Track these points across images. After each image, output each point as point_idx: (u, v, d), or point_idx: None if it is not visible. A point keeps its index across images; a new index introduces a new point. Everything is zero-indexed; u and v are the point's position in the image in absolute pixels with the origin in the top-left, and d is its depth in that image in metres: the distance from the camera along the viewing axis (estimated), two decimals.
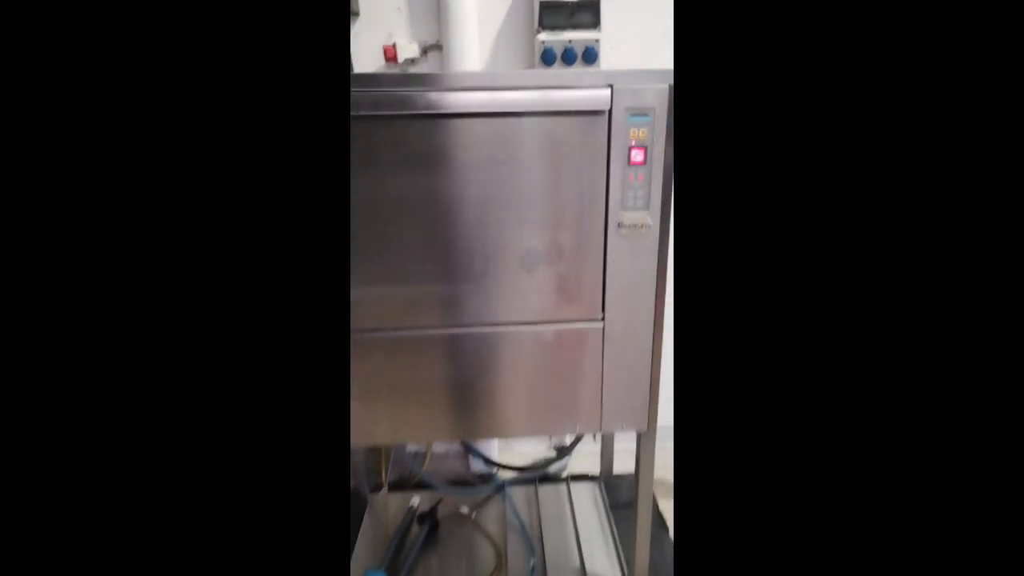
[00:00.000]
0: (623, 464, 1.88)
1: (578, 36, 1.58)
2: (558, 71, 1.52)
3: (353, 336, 1.17)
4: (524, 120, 1.11)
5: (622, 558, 1.62)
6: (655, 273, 1.23)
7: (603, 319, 1.24)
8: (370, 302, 1.18)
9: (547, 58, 1.56)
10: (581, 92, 1.12)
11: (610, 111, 1.15)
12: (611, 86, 1.13)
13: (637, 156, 1.18)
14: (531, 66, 1.63)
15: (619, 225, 1.22)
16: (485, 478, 1.99)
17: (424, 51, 1.71)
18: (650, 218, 1.22)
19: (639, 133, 1.17)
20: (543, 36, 1.59)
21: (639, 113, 1.16)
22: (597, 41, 1.58)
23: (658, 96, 1.15)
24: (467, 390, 1.25)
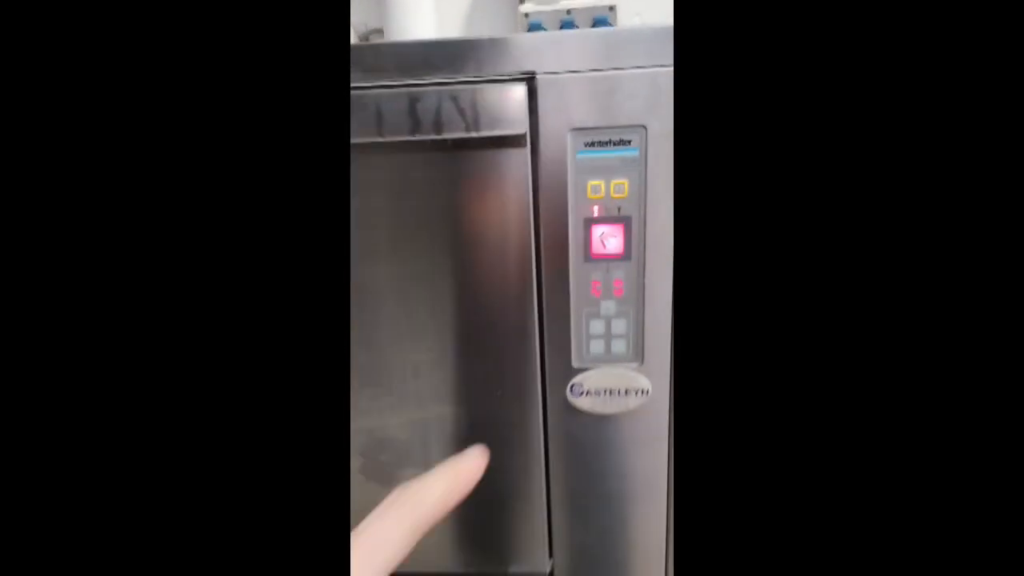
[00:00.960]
0: None
1: (582, 2, 0.91)
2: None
3: None
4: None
5: None
6: (664, 529, 0.54)
7: None
8: None
9: None
10: (443, 94, 0.47)
11: (532, 135, 0.48)
12: (530, 76, 0.46)
13: (609, 240, 0.50)
14: None
15: (571, 393, 0.53)
16: None
17: (364, 38, 1.13)
18: (644, 378, 0.53)
19: (608, 187, 0.49)
20: (528, 5, 0.94)
21: (609, 141, 0.48)
22: (612, 8, 0.90)
23: (652, 97, 0.46)
24: None
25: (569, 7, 0.93)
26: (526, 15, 0.95)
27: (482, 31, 1.06)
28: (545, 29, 0.95)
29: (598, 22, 0.91)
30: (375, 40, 1.11)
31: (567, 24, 0.94)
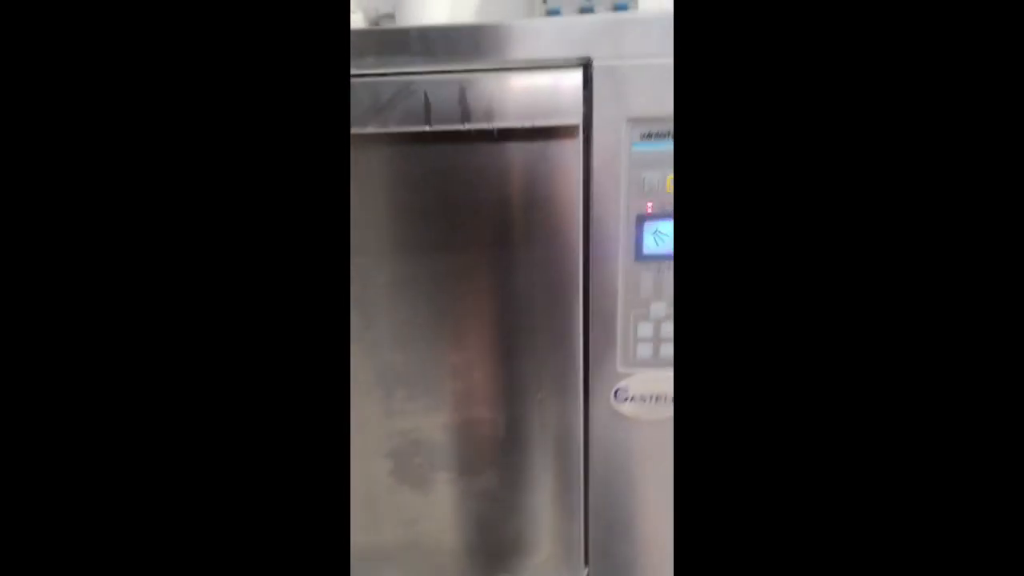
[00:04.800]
0: None
1: None
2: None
3: None
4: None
5: None
6: None
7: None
8: None
9: None
10: (507, 79, 0.44)
11: (587, 125, 0.45)
12: (587, 63, 0.44)
13: (662, 239, 0.47)
14: None
15: (615, 398, 0.51)
16: None
17: (375, 24, 1.09)
18: None
19: (664, 181, 0.46)
20: None
21: (668, 133, 0.45)
22: None
23: None
24: None
25: None
26: (544, 1, 0.92)
27: (497, 17, 1.03)
28: (561, 13, 0.91)
29: (618, 7, 0.88)
30: (386, 25, 1.07)
31: (586, 10, 0.91)
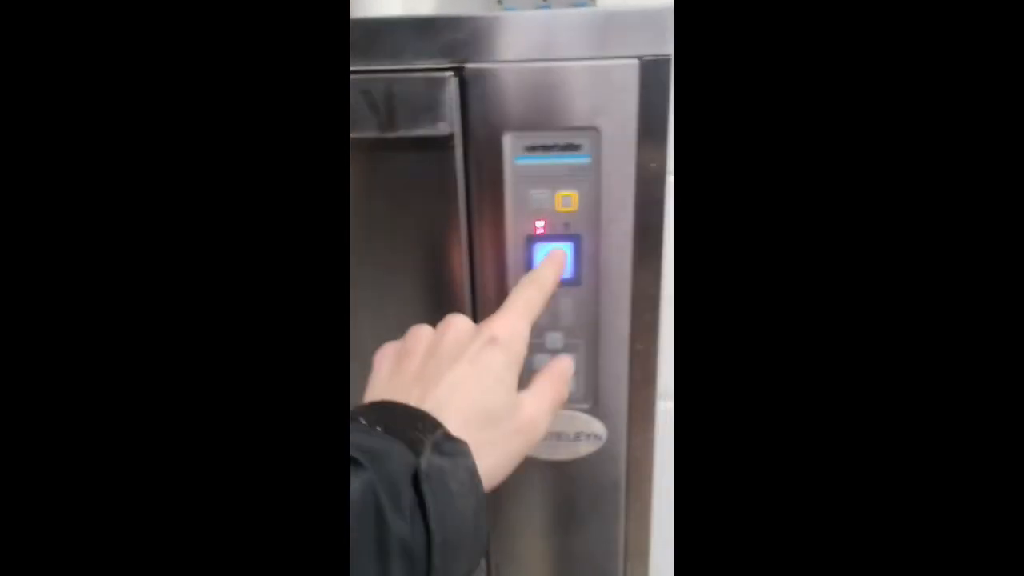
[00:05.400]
0: None
1: None
2: None
3: None
4: None
5: None
6: None
7: None
8: None
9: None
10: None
11: (464, 137, 0.40)
12: (459, 67, 0.39)
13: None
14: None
15: None
16: None
17: None
18: (598, 422, 0.45)
19: (554, 199, 0.41)
20: None
21: (555, 146, 0.40)
22: None
23: (606, 94, 0.39)
24: None
25: None
26: (499, 2, 0.87)
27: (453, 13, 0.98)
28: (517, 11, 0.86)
29: (578, 5, 0.83)
30: None
31: (545, 7, 0.86)
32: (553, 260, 0.39)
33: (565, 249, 0.41)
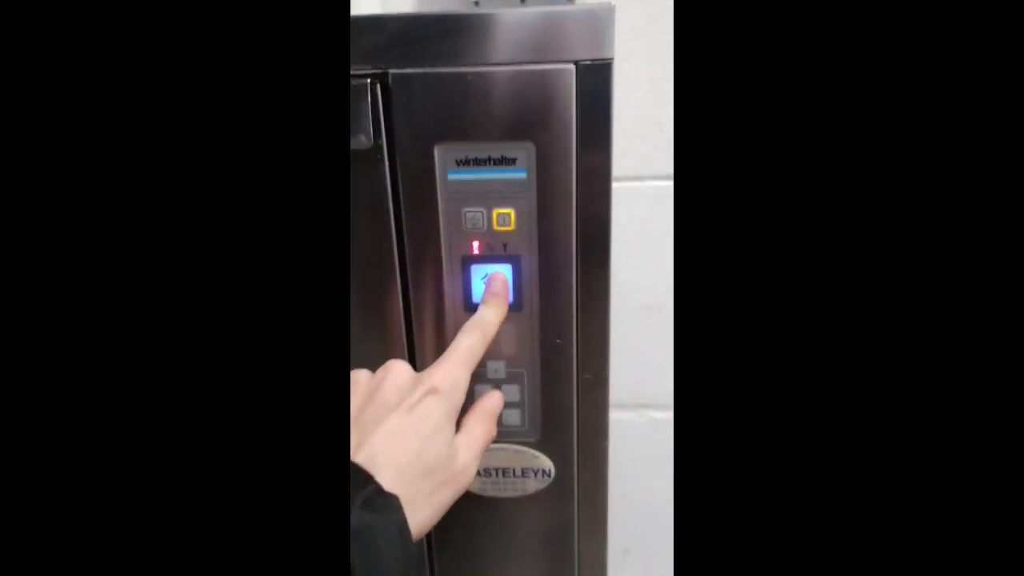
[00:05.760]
0: None
1: None
2: None
3: None
4: None
5: None
6: None
7: None
8: None
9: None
10: None
11: (390, 150, 0.37)
12: (382, 73, 0.36)
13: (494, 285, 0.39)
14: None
15: None
16: None
17: None
18: (546, 457, 0.42)
19: (490, 217, 0.38)
20: None
21: (488, 159, 0.37)
22: None
23: (543, 104, 0.35)
24: None
25: None
26: (476, 3, 0.85)
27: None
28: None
29: (555, 2, 0.80)
30: None
31: (522, 6, 0.83)
32: (494, 298, 0.38)
33: (504, 271, 0.38)
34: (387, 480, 0.30)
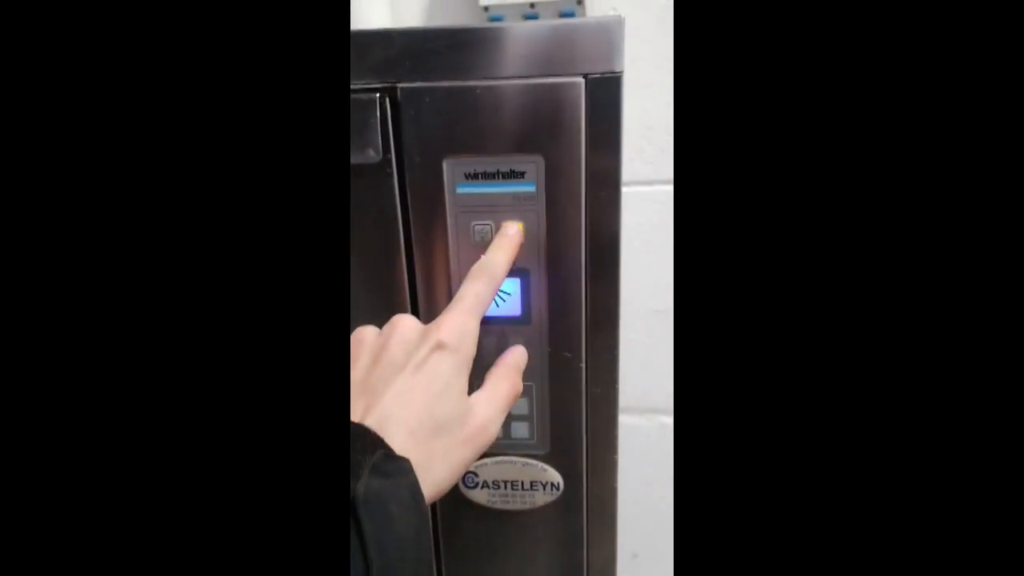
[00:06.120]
0: None
1: None
2: None
3: None
4: None
5: None
6: None
7: None
8: None
9: None
10: None
11: (399, 164, 0.37)
12: (391, 87, 0.35)
13: (502, 298, 0.39)
14: None
15: (464, 483, 0.43)
16: None
17: None
18: (555, 471, 0.42)
19: (498, 230, 0.38)
20: None
21: (497, 173, 0.37)
22: (580, 2, 0.78)
23: (552, 117, 0.35)
24: None
25: (533, 0, 0.82)
26: (486, 9, 0.84)
27: (444, 14, 0.95)
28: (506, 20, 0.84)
29: (565, 15, 0.80)
30: None
31: (531, 18, 0.83)
32: (504, 240, 0.36)
33: (513, 285, 0.38)
34: (398, 443, 0.29)
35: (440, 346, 0.32)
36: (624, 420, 0.51)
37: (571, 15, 0.81)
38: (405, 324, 0.34)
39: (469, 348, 0.33)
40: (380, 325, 0.39)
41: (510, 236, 0.36)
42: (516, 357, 0.37)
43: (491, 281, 0.35)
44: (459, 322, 0.33)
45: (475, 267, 0.35)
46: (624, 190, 0.36)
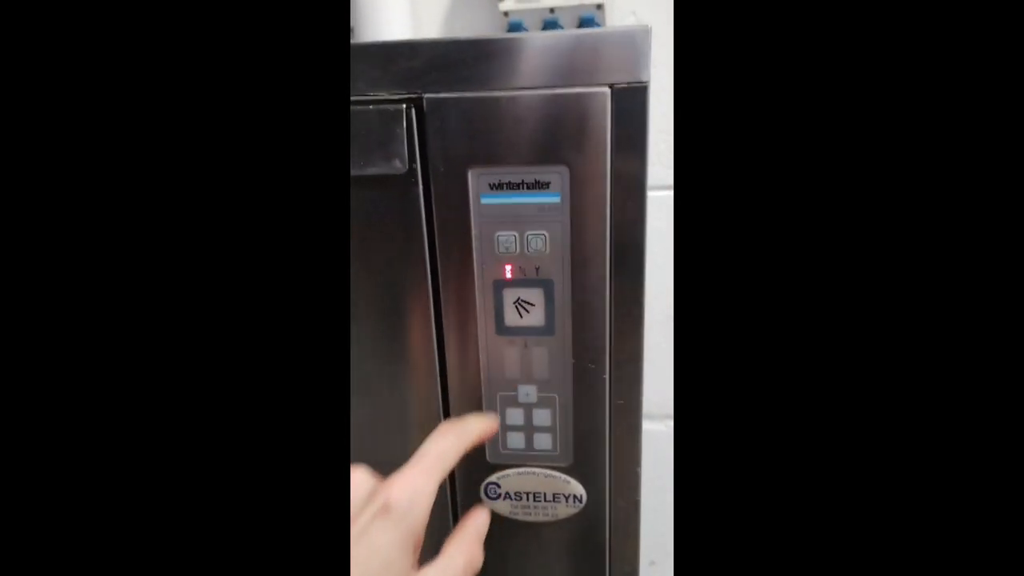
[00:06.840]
0: None
1: (567, 0, 0.80)
2: None
3: None
4: None
5: None
6: None
7: None
8: None
9: None
10: None
11: (424, 174, 0.37)
12: (417, 97, 0.35)
13: (526, 309, 0.39)
14: None
15: (487, 494, 0.43)
16: None
17: None
18: (578, 483, 0.41)
19: (523, 241, 0.38)
20: (508, 3, 0.84)
21: (522, 183, 0.36)
22: (600, 7, 0.78)
23: (576, 127, 0.35)
24: None
25: (553, 5, 0.82)
26: (505, 14, 0.85)
27: (462, 33, 0.96)
28: (526, 30, 0.84)
29: (584, 22, 0.80)
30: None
31: (550, 24, 0.83)
32: (483, 420, 0.36)
33: (537, 294, 0.38)
34: None
35: (385, 510, 0.29)
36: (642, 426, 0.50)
37: (591, 20, 0.81)
38: (355, 480, 0.30)
39: (420, 514, 0.30)
40: (401, 335, 0.39)
41: (489, 421, 0.36)
42: (477, 524, 0.34)
43: (459, 442, 0.33)
44: (412, 484, 0.30)
45: (445, 423, 0.34)
46: None
